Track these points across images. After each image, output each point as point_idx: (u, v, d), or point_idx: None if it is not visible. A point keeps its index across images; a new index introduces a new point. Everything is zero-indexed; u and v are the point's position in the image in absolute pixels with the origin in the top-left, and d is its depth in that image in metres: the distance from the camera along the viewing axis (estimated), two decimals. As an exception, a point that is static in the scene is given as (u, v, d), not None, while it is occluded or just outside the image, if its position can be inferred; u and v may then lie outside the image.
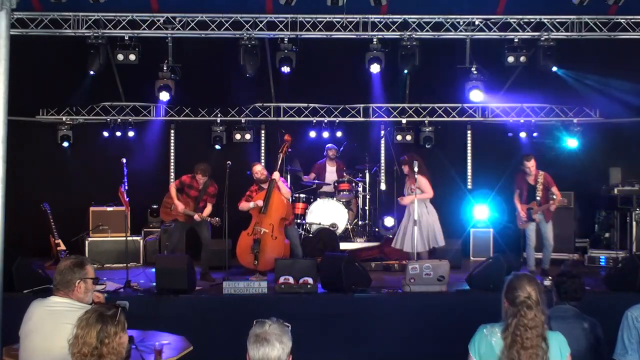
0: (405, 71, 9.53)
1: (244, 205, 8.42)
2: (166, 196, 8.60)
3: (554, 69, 9.25)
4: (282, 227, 8.40)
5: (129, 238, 8.34)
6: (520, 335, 3.03)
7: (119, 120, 11.18)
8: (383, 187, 11.29)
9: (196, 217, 8.19)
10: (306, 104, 11.55)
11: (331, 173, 10.61)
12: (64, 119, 11.07)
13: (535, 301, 3.11)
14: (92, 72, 9.08)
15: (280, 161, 8.46)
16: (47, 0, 8.54)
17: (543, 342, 3.06)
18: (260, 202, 8.27)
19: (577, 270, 5.52)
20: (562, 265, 9.29)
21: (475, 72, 9.58)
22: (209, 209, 8.40)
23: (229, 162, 8.12)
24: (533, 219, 8.35)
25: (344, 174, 10.34)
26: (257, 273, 8.07)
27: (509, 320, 3.11)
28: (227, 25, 9.24)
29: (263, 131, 11.66)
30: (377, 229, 10.45)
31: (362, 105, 11.63)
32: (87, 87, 9.99)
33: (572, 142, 11.10)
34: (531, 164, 8.35)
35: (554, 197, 8.21)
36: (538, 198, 8.30)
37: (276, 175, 8.33)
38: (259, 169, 8.47)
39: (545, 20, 9.26)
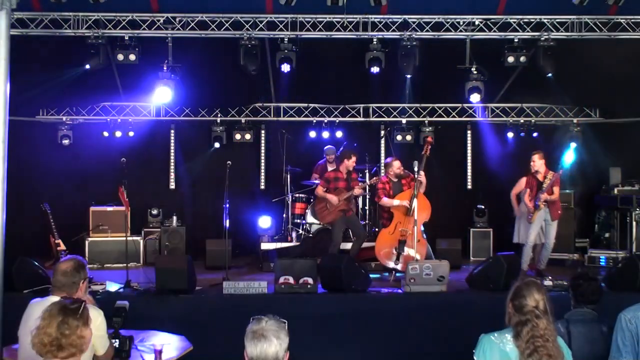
0: (409, 76, 9.55)
1: (387, 202, 8.40)
2: (317, 203, 8.93)
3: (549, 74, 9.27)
4: (422, 228, 8.36)
5: (129, 238, 8.35)
6: (542, 345, 2.99)
7: (119, 120, 11.18)
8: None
9: (357, 190, 8.66)
10: (306, 104, 11.55)
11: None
12: (64, 119, 11.08)
13: (543, 310, 3.08)
14: (87, 67, 9.06)
15: (424, 161, 8.33)
16: (47, 0, 8.53)
17: (559, 350, 3.04)
18: (406, 203, 8.18)
19: (593, 273, 5.49)
20: (579, 266, 9.32)
21: (475, 72, 9.57)
22: (358, 190, 8.75)
23: (229, 162, 8.12)
24: (538, 206, 8.29)
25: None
26: (394, 272, 8.18)
27: (519, 328, 3.06)
28: (227, 25, 9.23)
29: (263, 131, 11.66)
30: (377, 229, 10.43)
31: (362, 105, 11.63)
32: (87, 87, 10.02)
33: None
34: (539, 162, 8.36)
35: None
36: (544, 188, 8.32)
37: (422, 176, 8.25)
38: (398, 165, 8.51)
39: (545, 20, 9.26)
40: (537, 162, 8.38)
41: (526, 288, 3.18)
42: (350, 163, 8.69)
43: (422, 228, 8.37)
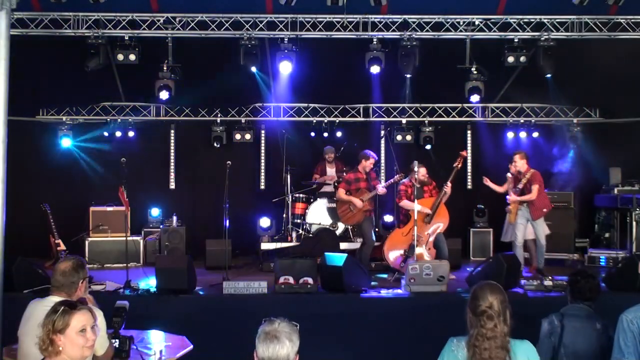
0: (409, 76, 9.54)
1: (407, 205, 8.42)
2: (339, 206, 8.87)
3: (548, 75, 9.28)
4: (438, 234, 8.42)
5: (129, 238, 8.35)
6: (479, 346, 2.98)
7: (119, 120, 11.19)
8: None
9: (380, 190, 8.61)
10: (306, 104, 11.56)
11: (331, 174, 10.62)
12: (64, 119, 11.08)
13: (497, 312, 3.04)
14: (87, 67, 9.05)
15: (453, 174, 8.41)
16: (47, 0, 8.53)
17: (504, 352, 2.99)
18: (427, 211, 8.25)
19: (592, 270, 5.50)
20: (578, 265, 9.31)
21: (475, 72, 9.57)
22: (382, 190, 8.72)
23: (229, 162, 8.12)
24: (508, 209, 8.40)
25: (344, 174, 10.34)
26: (396, 272, 8.20)
27: (471, 331, 3.06)
28: (227, 25, 9.23)
29: (263, 131, 11.66)
30: (377, 229, 10.43)
31: (362, 105, 11.63)
32: (87, 87, 10.02)
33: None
34: (520, 163, 8.35)
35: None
36: (517, 188, 8.34)
37: (449, 187, 8.33)
38: (423, 172, 8.58)
39: (545, 20, 9.26)
40: (519, 162, 8.39)
41: (480, 290, 3.16)
42: (368, 164, 8.77)
43: (441, 234, 8.42)
